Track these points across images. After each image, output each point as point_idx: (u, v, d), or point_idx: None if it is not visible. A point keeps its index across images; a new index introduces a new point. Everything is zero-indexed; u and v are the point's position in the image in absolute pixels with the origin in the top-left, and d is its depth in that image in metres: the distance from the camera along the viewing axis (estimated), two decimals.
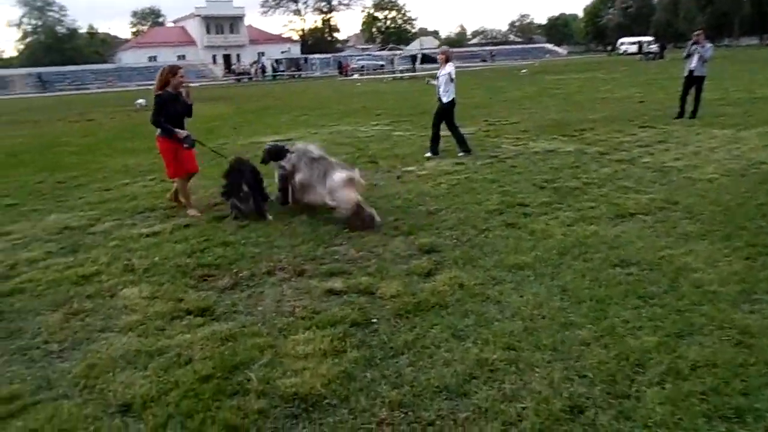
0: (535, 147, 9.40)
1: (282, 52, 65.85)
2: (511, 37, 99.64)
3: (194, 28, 67.47)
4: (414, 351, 3.02)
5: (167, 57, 64.66)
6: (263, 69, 55.65)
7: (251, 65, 57.77)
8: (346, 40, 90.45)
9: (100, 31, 78.49)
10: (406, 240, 4.92)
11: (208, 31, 66.96)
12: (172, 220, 6.04)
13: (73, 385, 2.87)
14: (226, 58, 66.70)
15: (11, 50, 71.13)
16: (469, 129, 12.07)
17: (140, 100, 26.65)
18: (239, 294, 3.95)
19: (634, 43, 61.86)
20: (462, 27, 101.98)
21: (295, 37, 78.45)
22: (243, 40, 68.39)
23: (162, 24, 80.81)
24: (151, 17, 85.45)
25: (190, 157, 6.18)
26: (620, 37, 69.01)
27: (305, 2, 78.54)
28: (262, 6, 77.80)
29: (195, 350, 3.13)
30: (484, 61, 63.51)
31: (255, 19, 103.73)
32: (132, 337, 3.33)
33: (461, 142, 8.93)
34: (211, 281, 4.20)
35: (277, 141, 7.23)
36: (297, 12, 79.07)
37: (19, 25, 67.26)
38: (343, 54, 68.57)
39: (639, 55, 51.24)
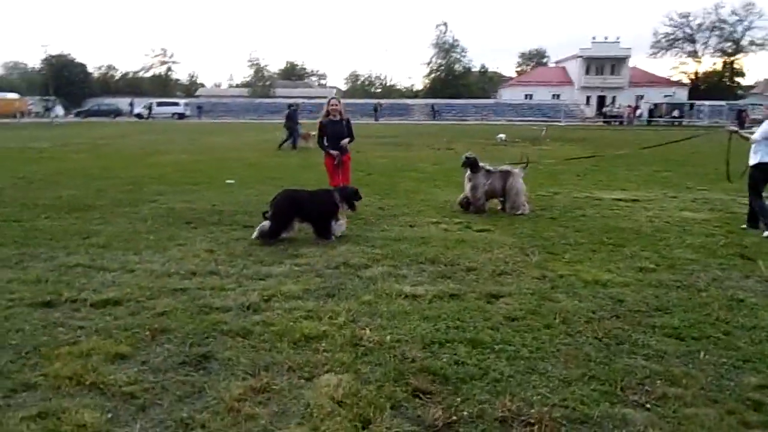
0: None
1: (665, 96, 59.20)
2: None
3: (574, 69, 67.26)
4: None
5: (542, 95, 66.69)
6: (634, 113, 51.23)
7: (626, 108, 53.91)
8: (752, 86, 75.35)
9: (490, 69, 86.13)
10: None
11: (587, 72, 65.70)
12: (444, 282, 5.08)
13: None
14: (600, 100, 64.21)
15: (419, 84, 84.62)
16: None
17: (501, 135, 27.40)
18: None
19: None
20: None
21: (685, 80, 69.65)
22: (622, 82, 64.48)
23: (545, 64, 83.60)
24: (536, 58, 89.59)
25: (340, 176, 7.43)
26: None
27: (705, 43, 68.62)
28: (652, 47, 71.32)
29: None
30: None
31: (640, 60, 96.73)
32: None
33: (762, 214, 7.21)
34: (421, 402, 2.99)
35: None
36: (693, 54, 69.83)
37: (428, 63, 79.99)
38: (743, 102, 57.14)
39: None
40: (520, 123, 50.03)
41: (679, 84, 66.85)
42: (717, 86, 66.47)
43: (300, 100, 36.00)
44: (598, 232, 7.21)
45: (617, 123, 50.61)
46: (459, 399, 3.02)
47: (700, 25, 67.56)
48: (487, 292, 4.77)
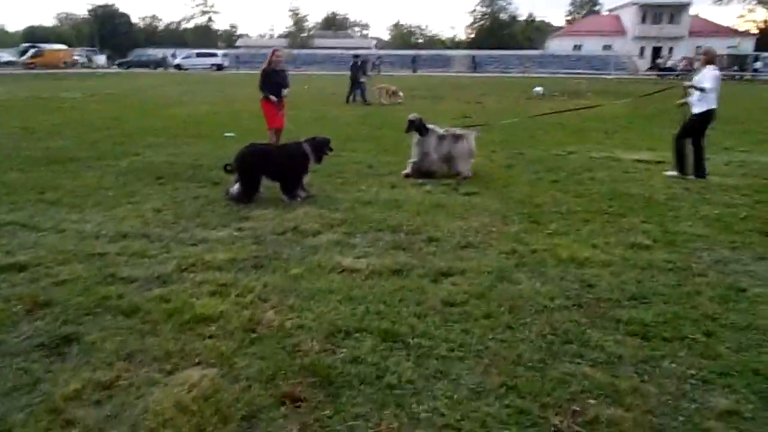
0: None
1: (728, 47, 54.49)
2: None
3: (628, 17, 62.57)
4: None
5: (592, 46, 62.61)
6: (691, 65, 47.46)
7: (683, 60, 49.99)
8: None
9: (538, 18, 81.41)
10: None
11: (642, 21, 60.96)
12: (395, 254, 4.44)
13: None
14: (656, 51, 59.82)
15: (462, 34, 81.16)
16: None
17: (538, 88, 25.62)
18: None
19: None
20: None
21: (754, 30, 63.70)
22: (681, 32, 59.56)
23: (597, 12, 78.21)
24: (588, 6, 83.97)
25: (281, 118, 8.08)
26: None
27: None
28: None
29: None
30: None
31: (703, 9, 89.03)
32: None
33: (697, 163, 7.50)
34: (282, 414, 2.44)
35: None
36: (762, 0, 63.57)
37: (472, 12, 76.60)
38: None
39: None
40: (564, 75, 47.27)
41: (746, 34, 61.38)
42: None
43: (362, 52, 34.86)
44: (601, 198, 6.35)
45: (674, 77, 47.07)
46: (330, 411, 2.45)
47: None
48: (437, 269, 4.11)
